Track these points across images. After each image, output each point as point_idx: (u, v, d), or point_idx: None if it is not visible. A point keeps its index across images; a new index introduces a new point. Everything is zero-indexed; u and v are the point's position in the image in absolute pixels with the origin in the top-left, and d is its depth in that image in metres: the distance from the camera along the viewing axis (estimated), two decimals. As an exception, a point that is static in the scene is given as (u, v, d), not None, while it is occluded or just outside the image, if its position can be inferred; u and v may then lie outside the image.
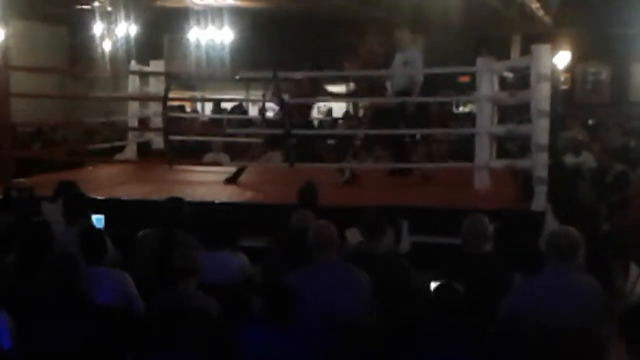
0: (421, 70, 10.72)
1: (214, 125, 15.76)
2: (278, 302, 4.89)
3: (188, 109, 18.64)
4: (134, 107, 12.98)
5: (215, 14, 19.60)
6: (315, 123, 16.22)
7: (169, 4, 19.36)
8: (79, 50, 19.79)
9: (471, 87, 11.74)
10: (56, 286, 5.12)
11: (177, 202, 7.14)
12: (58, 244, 6.29)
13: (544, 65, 8.38)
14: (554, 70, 13.40)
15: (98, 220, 7.26)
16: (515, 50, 20.24)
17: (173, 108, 11.72)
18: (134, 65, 13.19)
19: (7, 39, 10.69)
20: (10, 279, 5.71)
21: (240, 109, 18.38)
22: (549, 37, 17.59)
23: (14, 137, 11.29)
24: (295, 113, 10.25)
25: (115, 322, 5.08)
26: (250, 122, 15.65)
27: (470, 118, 15.35)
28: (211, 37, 20.21)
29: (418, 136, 11.29)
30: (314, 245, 5.70)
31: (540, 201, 8.10)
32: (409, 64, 10.57)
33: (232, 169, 10.73)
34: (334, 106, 19.92)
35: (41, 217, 7.06)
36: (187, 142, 12.54)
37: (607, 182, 9.91)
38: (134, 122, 13.15)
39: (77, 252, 5.55)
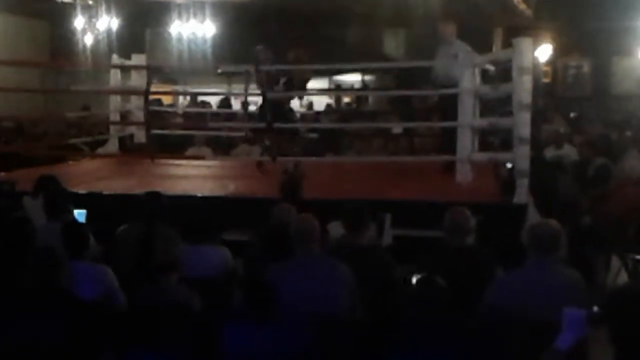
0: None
1: (197, 119, 15.72)
2: (260, 297, 4.88)
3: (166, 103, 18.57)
4: (115, 101, 12.94)
5: (197, 7, 19.57)
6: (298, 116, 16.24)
7: (150, -3, 19.32)
8: (60, 44, 19.69)
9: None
10: (38, 281, 5.09)
11: (155, 196, 7.12)
12: (39, 239, 6.27)
13: (526, 59, 8.39)
14: (535, 63, 13.45)
15: (80, 214, 7.24)
16: (497, 43, 20.25)
17: (153, 102, 11.68)
18: (115, 59, 13.14)
19: (-13, 32, 10.63)
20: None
21: (226, 102, 18.35)
22: (531, 30, 17.61)
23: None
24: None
25: (97, 317, 5.06)
26: (233, 116, 15.65)
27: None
28: (193, 30, 20.17)
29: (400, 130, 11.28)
30: (295, 239, 5.69)
31: (522, 194, 8.11)
32: (457, 57, 10.14)
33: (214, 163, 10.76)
34: (314, 100, 19.90)
35: (22, 211, 7.03)
36: (168, 136, 12.48)
37: (588, 175, 9.94)
38: (115, 116, 13.11)
39: (60, 247, 5.52)
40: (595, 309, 4.00)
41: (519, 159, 8.29)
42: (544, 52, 20.64)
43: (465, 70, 9.65)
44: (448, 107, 9.97)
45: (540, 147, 11.30)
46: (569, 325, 3.96)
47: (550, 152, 11.69)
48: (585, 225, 8.36)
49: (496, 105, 11.47)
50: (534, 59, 12.81)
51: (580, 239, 6.74)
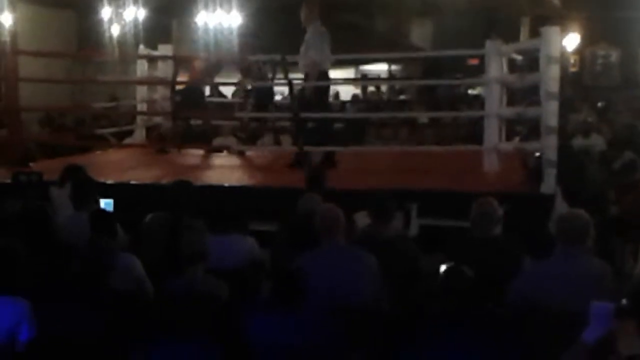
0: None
1: (223, 109, 15.74)
2: (287, 287, 4.88)
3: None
4: (142, 91, 12.98)
5: (223, -3, 19.55)
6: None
7: (177, -12, 19.35)
8: (87, 34, 19.70)
9: (480, 69, 11.71)
10: (85, 274, 5.15)
11: (184, 185, 7.13)
12: (66, 229, 6.31)
13: (554, 48, 8.34)
14: (563, 52, 13.36)
15: (107, 204, 7.25)
16: (525, 32, 20.15)
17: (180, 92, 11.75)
18: (142, 49, 13.19)
19: (15, 23, 10.66)
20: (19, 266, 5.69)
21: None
22: (558, 19, 17.51)
23: (23, 122, 11.29)
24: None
25: (132, 308, 5.10)
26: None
27: (479, 101, 15.33)
28: (219, 20, 20.16)
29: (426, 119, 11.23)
30: (320, 229, 5.68)
31: (549, 184, 8.07)
32: (308, 46, 10.02)
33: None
34: (340, 89, 19.84)
35: (48, 202, 7.05)
36: (195, 126, 12.52)
37: (616, 167, 9.88)
38: (142, 107, 13.15)
39: (109, 241, 5.58)
40: (624, 301, 3.97)
41: (547, 148, 8.25)
42: (571, 41, 20.49)
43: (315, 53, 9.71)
44: (316, 98, 10.05)
45: (568, 136, 11.23)
46: (596, 318, 3.93)
47: (577, 142, 11.61)
48: (613, 216, 8.31)
49: (524, 95, 11.41)
50: (562, 48, 12.72)
51: (607, 230, 6.69)
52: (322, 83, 10.11)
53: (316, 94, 10.09)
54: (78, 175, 7.52)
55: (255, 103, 11.34)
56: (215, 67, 12.14)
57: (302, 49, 10.00)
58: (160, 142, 12.04)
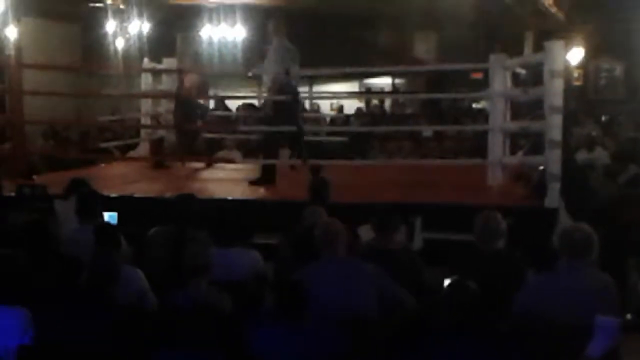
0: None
1: (227, 122, 15.77)
2: (291, 299, 4.88)
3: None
4: (146, 104, 13.00)
5: (227, 11, 19.60)
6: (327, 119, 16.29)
7: (181, 1, 19.39)
8: (92, 48, 19.79)
9: (484, 83, 11.73)
10: (92, 287, 5.16)
11: (189, 199, 7.14)
12: (71, 242, 6.31)
13: (558, 62, 8.35)
14: (566, 66, 13.38)
15: (111, 217, 7.26)
16: (528, 46, 20.17)
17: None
18: (146, 62, 13.22)
19: (20, 37, 10.71)
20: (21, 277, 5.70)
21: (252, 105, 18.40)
22: (562, 33, 17.53)
23: (27, 135, 11.33)
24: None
25: (133, 320, 5.11)
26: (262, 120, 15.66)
27: (483, 115, 15.36)
28: (223, 34, 20.21)
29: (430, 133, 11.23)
30: (321, 243, 5.68)
31: (553, 198, 8.07)
32: (269, 60, 10.18)
33: (245, 167, 10.79)
34: (344, 103, 19.91)
35: (53, 215, 7.06)
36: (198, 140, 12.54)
37: (620, 181, 9.86)
38: (146, 120, 13.18)
39: (113, 253, 5.58)
40: (629, 316, 3.98)
41: (551, 162, 8.25)
42: (575, 54, 20.52)
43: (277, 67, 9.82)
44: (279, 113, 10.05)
45: (572, 150, 11.23)
46: (601, 333, 3.93)
47: (581, 156, 11.61)
48: (618, 230, 8.30)
49: (528, 109, 11.42)
50: (566, 61, 12.73)
51: (612, 243, 6.68)
52: (278, 97, 10.08)
53: (275, 108, 10.15)
54: (83, 188, 7.52)
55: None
56: (205, 84, 12.21)
57: (265, 62, 10.13)
58: (163, 156, 12.05)
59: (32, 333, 4.86)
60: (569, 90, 11.12)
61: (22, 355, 4.80)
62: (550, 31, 17.58)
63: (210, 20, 19.98)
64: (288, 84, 10.04)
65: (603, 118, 17.80)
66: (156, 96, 12.99)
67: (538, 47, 13.92)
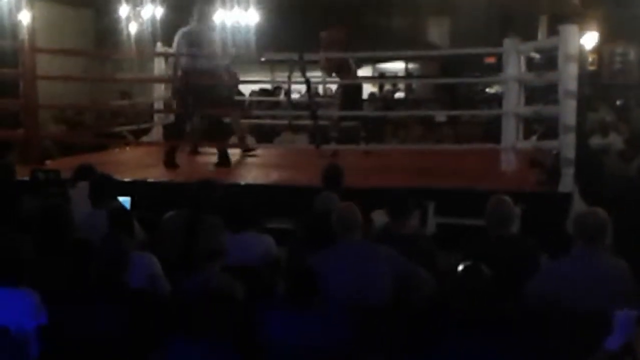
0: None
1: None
2: (303, 285, 4.88)
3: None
4: (159, 89, 13.00)
5: (240, -5, 19.57)
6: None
7: (194, -14, 19.35)
8: (105, 32, 19.77)
9: (498, 68, 11.68)
10: (103, 274, 5.16)
11: (209, 185, 7.11)
12: (84, 227, 6.31)
13: (572, 46, 8.30)
14: (581, 50, 13.32)
15: (125, 202, 7.26)
16: (542, 31, 20.09)
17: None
18: (159, 47, 13.20)
19: (33, 21, 10.70)
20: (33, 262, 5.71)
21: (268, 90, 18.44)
22: (577, 17, 17.44)
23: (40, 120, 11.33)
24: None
25: (144, 306, 5.11)
26: (276, 104, 15.65)
27: (497, 99, 15.31)
28: (236, 19, 20.17)
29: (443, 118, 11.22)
30: (337, 227, 5.68)
31: (567, 183, 8.04)
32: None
33: (257, 152, 10.81)
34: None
35: (67, 199, 7.06)
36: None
37: (633, 167, 9.82)
38: (159, 105, 13.17)
39: (125, 239, 5.57)
40: None
41: (565, 147, 8.21)
42: (590, 39, 20.41)
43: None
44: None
45: (586, 135, 11.19)
46: (619, 327, 3.91)
47: (596, 141, 11.57)
48: (632, 215, 8.26)
49: (542, 93, 11.39)
50: (580, 46, 12.67)
51: (626, 228, 6.65)
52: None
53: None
54: (89, 173, 7.51)
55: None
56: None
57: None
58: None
59: (44, 315, 4.88)
60: (583, 74, 11.07)
61: (44, 335, 4.83)
62: (565, 15, 17.48)
63: (223, 4, 19.94)
64: None
65: (617, 103, 17.70)
66: (169, 81, 12.97)
67: (552, 32, 13.87)
